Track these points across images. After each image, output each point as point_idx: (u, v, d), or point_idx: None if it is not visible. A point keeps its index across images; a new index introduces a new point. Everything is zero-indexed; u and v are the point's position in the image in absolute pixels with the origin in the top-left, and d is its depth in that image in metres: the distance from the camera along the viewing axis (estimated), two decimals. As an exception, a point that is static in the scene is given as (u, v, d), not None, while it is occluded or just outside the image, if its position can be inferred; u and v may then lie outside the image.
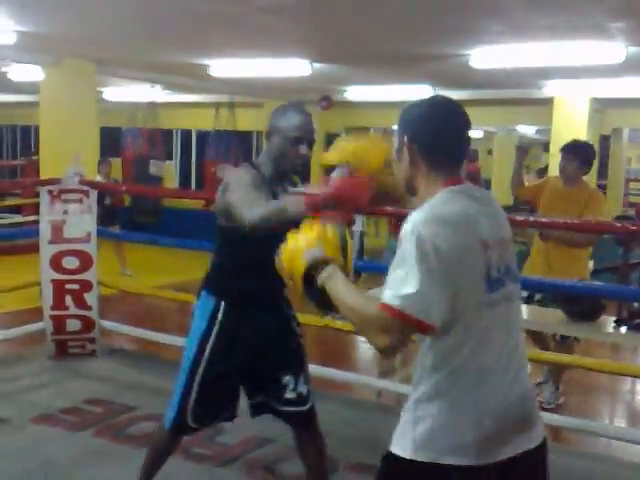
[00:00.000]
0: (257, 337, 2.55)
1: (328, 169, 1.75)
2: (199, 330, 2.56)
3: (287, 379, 2.59)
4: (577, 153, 4.27)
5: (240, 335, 2.54)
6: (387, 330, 1.49)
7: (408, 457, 1.56)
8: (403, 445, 1.58)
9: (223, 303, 2.54)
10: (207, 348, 2.54)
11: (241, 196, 2.28)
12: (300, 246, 1.67)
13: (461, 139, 1.62)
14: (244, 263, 2.47)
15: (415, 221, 1.52)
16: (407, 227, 1.53)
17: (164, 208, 10.18)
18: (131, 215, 9.52)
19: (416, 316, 1.47)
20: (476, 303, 1.54)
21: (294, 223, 1.91)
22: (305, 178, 2.51)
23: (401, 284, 1.48)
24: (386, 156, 1.69)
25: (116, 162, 9.88)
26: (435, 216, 1.53)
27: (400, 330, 1.49)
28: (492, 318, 1.58)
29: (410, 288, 1.46)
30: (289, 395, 2.59)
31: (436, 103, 1.64)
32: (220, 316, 2.54)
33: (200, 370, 2.54)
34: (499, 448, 1.58)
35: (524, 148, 4.89)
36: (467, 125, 1.63)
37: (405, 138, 1.61)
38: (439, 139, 1.59)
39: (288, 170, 2.48)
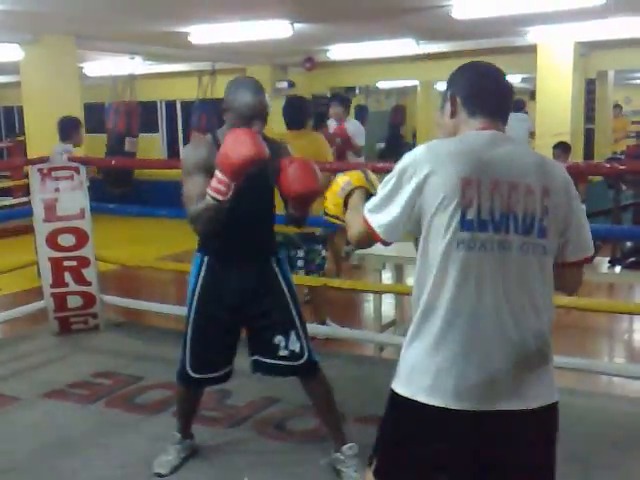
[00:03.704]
0: (237, 289, 2.69)
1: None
2: (189, 285, 2.76)
3: (278, 339, 2.73)
4: None
5: (220, 286, 2.70)
6: (360, 234, 1.80)
7: (396, 390, 1.70)
8: (395, 378, 1.72)
9: (206, 258, 2.73)
10: (194, 300, 2.74)
11: (184, 188, 2.56)
12: (335, 187, 2.04)
13: (492, 92, 1.80)
14: (224, 223, 2.55)
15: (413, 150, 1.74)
16: None
17: (137, 179, 10.03)
18: (103, 187, 9.31)
19: (374, 228, 1.73)
20: (444, 239, 1.62)
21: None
22: None
23: (373, 202, 1.76)
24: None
25: (102, 137, 9.81)
26: (426, 147, 1.72)
27: (367, 236, 1.78)
28: (473, 260, 1.61)
29: (377, 206, 1.73)
30: (282, 353, 2.73)
31: (471, 66, 1.86)
32: (203, 269, 2.73)
33: (190, 321, 2.75)
34: (485, 397, 1.60)
35: None
36: (499, 82, 1.82)
37: (448, 93, 1.83)
38: (474, 91, 1.80)
39: None
